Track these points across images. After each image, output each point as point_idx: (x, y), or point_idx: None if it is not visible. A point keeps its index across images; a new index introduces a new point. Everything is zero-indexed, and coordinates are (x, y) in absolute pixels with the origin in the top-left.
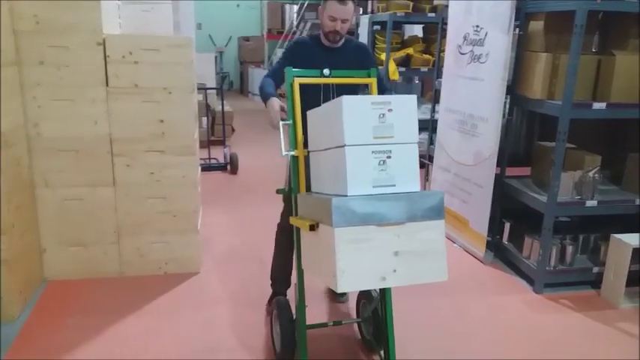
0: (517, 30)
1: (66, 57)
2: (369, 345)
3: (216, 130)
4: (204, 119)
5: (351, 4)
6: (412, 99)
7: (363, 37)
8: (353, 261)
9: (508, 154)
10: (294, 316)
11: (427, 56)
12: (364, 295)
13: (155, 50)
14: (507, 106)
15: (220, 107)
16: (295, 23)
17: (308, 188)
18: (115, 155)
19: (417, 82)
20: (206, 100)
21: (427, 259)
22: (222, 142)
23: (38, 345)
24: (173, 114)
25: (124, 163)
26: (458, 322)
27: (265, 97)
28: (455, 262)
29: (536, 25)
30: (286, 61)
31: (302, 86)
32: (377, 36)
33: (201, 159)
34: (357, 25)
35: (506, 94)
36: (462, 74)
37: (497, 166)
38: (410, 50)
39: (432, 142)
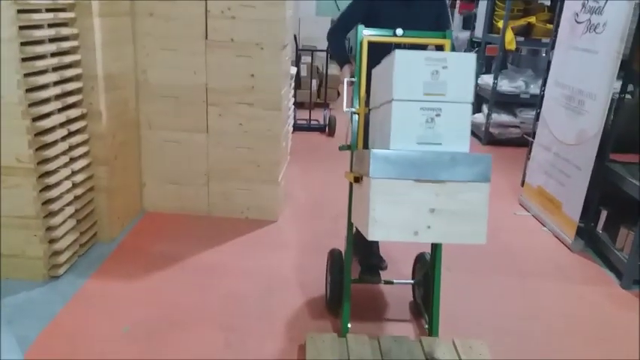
0: None
1: (173, 10)
2: (419, 309)
3: (321, 93)
4: (314, 81)
5: None
6: (470, 57)
7: (482, 4)
8: (387, 212)
9: (621, 138)
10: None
11: (551, 26)
12: (419, 259)
13: (251, 7)
14: (621, 83)
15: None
16: None
17: (366, 146)
18: (209, 104)
19: (544, 54)
20: (312, 63)
21: (466, 220)
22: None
23: (124, 264)
24: (263, 69)
25: (217, 113)
26: (524, 304)
27: (340, 61)
28: (538, 245)
29: None
30: (358, 7)
31: (374, 45)
32: (497, 2)
33: (301, 119)
34: None
35: (621, 69)
36: (576, 45)
37: (601, 148)
38: (532, 19)
39: (537, 118)
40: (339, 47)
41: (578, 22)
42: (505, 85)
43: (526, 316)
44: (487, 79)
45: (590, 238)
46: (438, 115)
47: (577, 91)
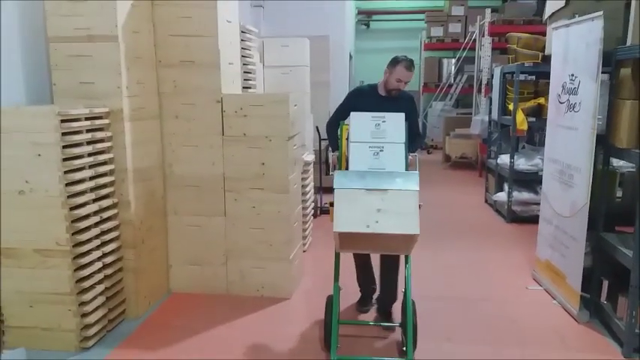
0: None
1: (194, 112)
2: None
3: None
4: None
5: (413, 69)
6: (400, 115)
7: (496, 87)
8: (346, 212)
9: (623, 210)
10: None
11: None
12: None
13: (260, 105)
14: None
15: None
16: (453, 76)
17: None
18: (226, 191)
19: None
20: None
21: (402, 217)
22: None
23: (147, 338)
24: (272, 158)
25: (233, 198)
26: None
27: (332, 147)
28: (546, 317)
29: (626, 72)
30: (347, 104)
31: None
32: (508, 86)
33: (327, 203)
34: (492, 75)
35: (600, 143)
36: (561, 123)
37: (593, 218)
38: (542, 100)
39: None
40: (333, 135)
41: (560, 103)
42: (522, 164)
43: None
44: (505, 159)
45: (595, 309)
46: (381, 151)
47: (566, 166)
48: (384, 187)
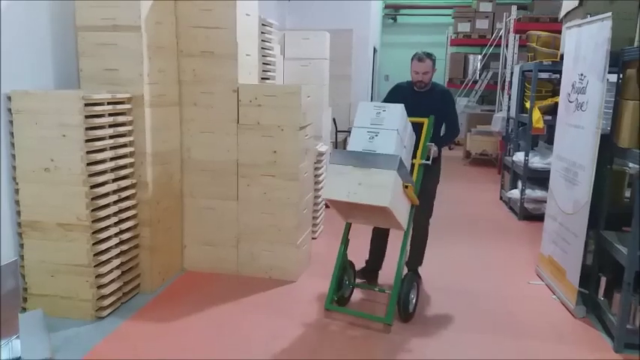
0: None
1: (211, 100)
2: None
3: None
4: None
5: (428, 61)
6: (399, 106)
7: (515, 85)
8: (334, 183)
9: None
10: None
11: None
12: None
13: (273, 96)
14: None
15: None
16: (478, 72)
17: None
18: (239, 176)
19: None
20: None
21: (377, 190)
22: None
23: (158, 311)
24: (283, 146)
25: (246, 183)
26: None
27: None
28: (544, 311)
29: (631, 73)
30: (387, 98)
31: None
32: (526, 84)
33: None
34: (512, 73)
35: (606, 142)
36: (570, 122)
37: (595, 216)
38: (558, 99)
39: None
40: None
41: (570, 102)
42: (537, 162)
43: None
44: (520, 156)
45: (592, 305)
46: (376, 135)
47: (572, 164)
48: (368, 166)
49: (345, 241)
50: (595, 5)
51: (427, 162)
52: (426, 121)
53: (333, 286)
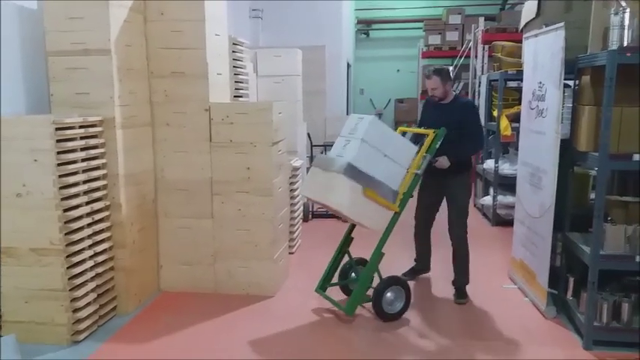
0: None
1: (184, 120)
2: None
3: None
4: None
5: (434, 77)
6: (372, 117)
7: (483, 94)
8: (309, 182)
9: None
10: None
11: None
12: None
13: (245, 113)
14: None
15: None
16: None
17: None
18: (214, 194)
19: None
20: None
21: (335, 190)
22: None
23: (135, 333)
24: (257, 162)
25: (220, 201)
26: None
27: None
28: (516, 313)
29: (586, 80)
30: (421, 112)
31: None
32: (493, 93)
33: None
34: (480, 83)
35: (566, 147)
36: (532, 128)
37: (560, 218)
38: None
39: None
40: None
41: (531, 109)
42: (507, 169)
43: None
44: (490, 163)
45: (562, 305)
46: (348, 143)
47: (536, 169)
48: (328, 169)
49: (346, 240)
50: (551, 15)
51: (417, 172)
52: (431, 132)
53: (325, 275)
